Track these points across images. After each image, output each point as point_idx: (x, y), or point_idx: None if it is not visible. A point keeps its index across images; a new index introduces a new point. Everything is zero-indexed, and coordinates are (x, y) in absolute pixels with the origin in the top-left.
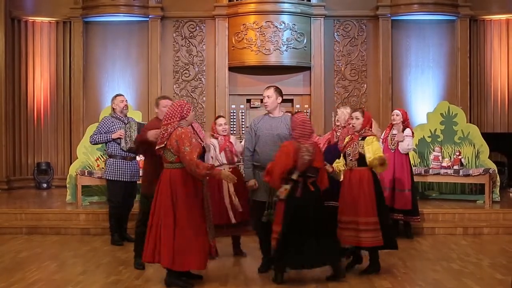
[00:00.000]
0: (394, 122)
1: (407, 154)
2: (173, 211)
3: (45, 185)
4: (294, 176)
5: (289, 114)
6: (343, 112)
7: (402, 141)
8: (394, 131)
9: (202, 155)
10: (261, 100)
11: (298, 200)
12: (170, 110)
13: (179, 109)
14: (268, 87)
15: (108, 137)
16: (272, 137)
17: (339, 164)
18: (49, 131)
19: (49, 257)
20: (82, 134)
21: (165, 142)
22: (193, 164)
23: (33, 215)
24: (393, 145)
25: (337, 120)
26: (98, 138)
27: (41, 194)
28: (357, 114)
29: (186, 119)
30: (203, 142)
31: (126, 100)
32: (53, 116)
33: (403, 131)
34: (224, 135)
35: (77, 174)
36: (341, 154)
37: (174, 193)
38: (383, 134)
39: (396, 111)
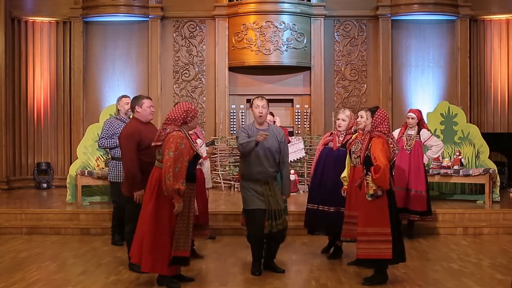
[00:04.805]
0: (410, 126)
1: (422, 156)
2: (147, 208)
3: (45, 185)
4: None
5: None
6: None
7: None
8: (409, 132)
9: (194, 161)
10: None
11: (393, 194)
12: (175, 112)
13: (184, 114)
14: (262, 98)
15: (117, 142)
16: (264, 150)
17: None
18: (49, 131)
19: (49, 257)
20: (82, 134)
21: (162, 141)
22: (168, 173)
23: (33, 215)
24: (409, 146)
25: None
26: (106, 143)
27: (41, 194)
28: (361, 112)
29: (188, 124)
30: (196, 147)
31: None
32: (53, 116)
33: (418, 132)
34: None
35: (77, 174)
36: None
37: (153, 191)
38: (397, 134)
39: (411, 114)
